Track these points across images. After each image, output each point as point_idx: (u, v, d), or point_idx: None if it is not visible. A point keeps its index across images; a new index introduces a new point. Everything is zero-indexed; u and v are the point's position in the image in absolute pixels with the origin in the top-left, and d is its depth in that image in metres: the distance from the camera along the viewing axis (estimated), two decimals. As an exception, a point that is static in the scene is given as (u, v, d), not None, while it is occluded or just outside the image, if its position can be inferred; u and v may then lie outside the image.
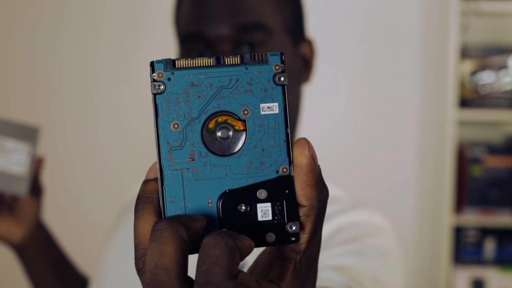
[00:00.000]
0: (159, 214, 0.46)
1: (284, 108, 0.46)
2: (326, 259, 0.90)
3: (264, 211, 0.46)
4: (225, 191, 0.46)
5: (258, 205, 0.46)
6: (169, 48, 2.43)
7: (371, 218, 1.05)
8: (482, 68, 2.53)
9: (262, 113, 0.46)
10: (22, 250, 1.14)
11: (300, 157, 0.46)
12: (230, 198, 0.46)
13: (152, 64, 0.46)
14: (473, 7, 2.42)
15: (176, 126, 0.46)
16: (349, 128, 2.70)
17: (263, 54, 0.46)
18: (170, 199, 0.46)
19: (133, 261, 1.10)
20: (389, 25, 2.68)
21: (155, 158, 0.47)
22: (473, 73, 2.53)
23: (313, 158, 0.46)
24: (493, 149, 2.53)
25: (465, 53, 2.52)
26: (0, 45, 2.70)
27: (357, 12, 2.69)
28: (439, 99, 2.55)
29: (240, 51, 1.03)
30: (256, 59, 0.46)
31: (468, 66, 2.53)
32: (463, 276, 2.50)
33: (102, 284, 1.11)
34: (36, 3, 2.67)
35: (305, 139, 0.47)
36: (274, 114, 0.46)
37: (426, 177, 2.69)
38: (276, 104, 0.46)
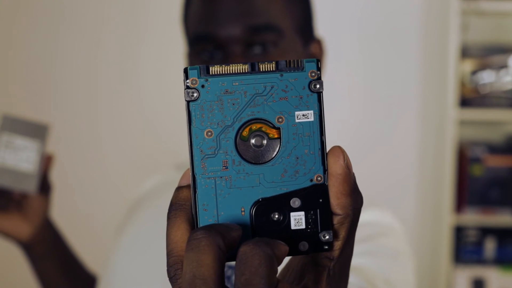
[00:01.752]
0: (192, 221, 0.46)
1: (319, 116, 0.46)
2: None
3: (298, 220, 0.46)
4: (259, 200, 0.46)
5: (292, 213, 0.46)
6: (170, 47, 2.42)
7: (382, 218, 1.05)
8: (483, 67, 2.53)
9: (297, 120, 0.45)
10: (30, 248, 1.13)
11: (335, 166, 0.45)
12: (263, 206, 0.46)
13: (185, 70, 0.45)
14: (474, 6, 2.42)
15: (209, 133, 0.45)
16: (349, 127, 2.70)
17: (299, 60, 0.46)
18: (203, 207, 0.45)
19: (141, 259, 1.09)
20: (390, 24, 2.68)
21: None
22: (474, 72, 2.53)
23: (348, 167, 0.46)
24: (494, 149, 2.53)
25: (465, 53, 2.52)
26: (3, 44, 2.69)
27: (357, 11, 2.68)
28: (440, 98, 2.55)
29: (251, 52, 1.02)
30: (292, 65, 0.45)
31: (468, 65, 2.53)
32: (463, 276, 2.50)
33: (111, 282, 1.11)
34: (38, 2, 2.67)
35: (339, 148, 0.46)
36: (309, 122, 0.46)
37: (427, 176, 2.68)
38: (312, 111, 0.45)
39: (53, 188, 1.15)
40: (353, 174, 0.46)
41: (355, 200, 0.46)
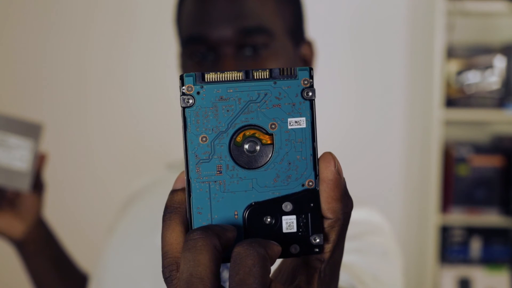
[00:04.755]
0: (186, 224, 0.47)
1: (311, 123, 0.47)
2: None
3: (289, 223, 0.47)
4: (251, 203, 0.47)
5: (283, 217, 0.47)
6: (160, 47, 2.42)
7: (370, 217, 1.07)
8: (468, 67, 2.54)
9: (289, 127, 0.47)
10: (22, 246, 1.15)
11: (326, 171, 0.47)
12: (256, 210, 0.47)
13: (181, 77, 0.46)
14: (459, 7, 2.44)
15: (204, 139, 0.46)
16: (335, 128, 2.71)
17: (292, 68, 0.47)
18: (197, 210, 0.46)
19: (132, 257, 1.10)
20: (375, 25, 2.69)
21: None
22: (459, 72, 2.55)
23: (338, 173, 0.47)
24: (479, 149, 2.55)
25: (451, 53, 2.54)
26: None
27: (342, 12, 2.69)
28: (425, 98, 2.56)
29: (242, 54, 1.03)
30: (285, 73, 0.47)
31: (454, 65, 2.55)
32: (450, 275, 2.51)
33: (102, 281, 1.12)
34: (29, 2, 2.66)
35: (330, 154, 0.47)
36: (302, 128, 0.47)
37: (413, 176, 2.70)
38: (304, 118, 0.47)
39: (46, 187, 1.16)
40: (344, 179, 0.47)
41: (345, 204, 0.47)
